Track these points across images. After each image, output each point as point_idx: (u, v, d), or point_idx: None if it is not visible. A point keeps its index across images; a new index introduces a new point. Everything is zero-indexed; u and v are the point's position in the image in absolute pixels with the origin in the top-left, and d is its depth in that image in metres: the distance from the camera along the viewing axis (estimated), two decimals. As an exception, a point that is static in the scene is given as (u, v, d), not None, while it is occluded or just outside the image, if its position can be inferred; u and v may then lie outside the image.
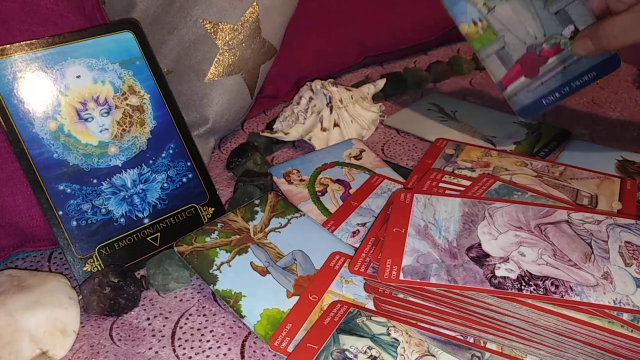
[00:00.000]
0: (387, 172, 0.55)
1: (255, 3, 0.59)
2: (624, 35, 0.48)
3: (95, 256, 0.45)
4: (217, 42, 0.59)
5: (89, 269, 0.44)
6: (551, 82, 0.54)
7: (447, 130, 0.63)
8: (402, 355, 0.35)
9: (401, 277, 0.37)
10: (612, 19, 0.48)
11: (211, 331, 0.41)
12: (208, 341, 0.40)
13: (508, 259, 0.38)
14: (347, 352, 0.35)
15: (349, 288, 0.41)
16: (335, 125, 0.62)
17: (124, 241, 0.46)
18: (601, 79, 0.54)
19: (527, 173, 0.51)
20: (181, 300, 0.43)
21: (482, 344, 0.37)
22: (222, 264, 0.43)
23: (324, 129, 0.62)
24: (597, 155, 0.56)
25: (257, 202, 0.49)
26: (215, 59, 0.59)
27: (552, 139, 0.60)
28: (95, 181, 0.46)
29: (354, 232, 0.47)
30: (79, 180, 0.45)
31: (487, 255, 0.38)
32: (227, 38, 0.59)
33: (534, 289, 0.35)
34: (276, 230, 0.46)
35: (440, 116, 0.67)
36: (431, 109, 0.68)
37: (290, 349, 0.36)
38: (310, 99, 0.63)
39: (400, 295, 0.38)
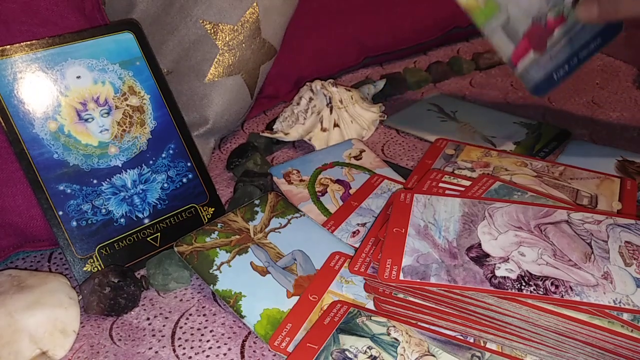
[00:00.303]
0: (387, 172, 0.55)
1: (255, 3, 0.59)
2: (634, 5, 0.45)
3: (95, 256, 0.45)
4: (217, 42, 0.59)
5: (89, 269, 0.44)
6: (559, 54, 0.52)
7: (447, 130, 0.63)
8: (402, 355, 0.35)
9: (401, 277, 0.37)
10: None
11: (211, 331, 0.41)
12: (208, 341, 0.40)
13: (508, 259, 0.38)
14: (347, 352, 0.35)
15: (349, 288, 0.41)
16: (335, 125, 0.62)
17: (124, 241, 0.46)
18: (606, 46, 0.52)
19: (527, 173, 0.51)
20: (181, 300, 0.43)
21: (482, 344, 0.37)
22: (222, 264, 0.43)
23: (324, 129, 0.62)
24: (597, 155, 0.56)
25: (257, 202, 0.49)
26: (215, 60, 0.59)
27: (552, 139, 0.60)
28: (95, 181, 0.46)
29: (354, 232, 0.47)
30: (79, 180, 0.45)
31: (487, 255, 0.38)
32: (227, 38, 0.59)
33: (534, 289, 0.35)
34: (276, 230, 0.46)
35: (440, 116, 0.67)
36: (431, 109, 0.68)
37: (290, 349, 0.36)
38: (310, 99, 0.63)
39: (400, 295, 0.38)
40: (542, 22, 0.50)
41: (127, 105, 0.49)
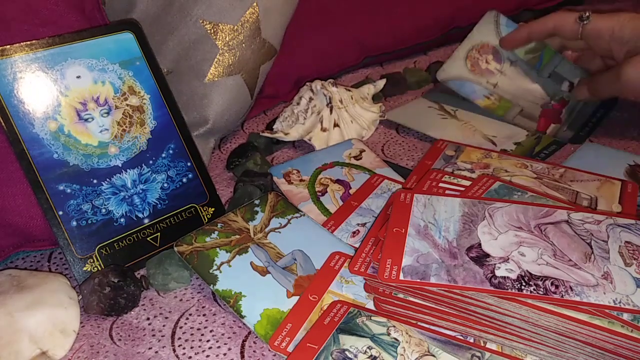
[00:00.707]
0: (387, 172, 0.55)
1: (255, 3, 0.59)
2: (608, 89, 0.59)
3: (95, 256, 0.45)
4: (217, 42, 0.59)
5: (89, 269, 0.44)
6: (575, 122, 0.63)
7: (448, 128, 0.63)
8: (402, 355, 0.35)
9: (401, 277, 0.37)
10: (601, 74, 0.59)
11: (211, 331, 0.41)
12: (208, 341, 0.40)
13: (508, 259, 0.38)
14: (347, 352, 0.35)
15: (349, 288, 0.41)
16: (335, 125, 0.62)
17: (124, 241, 0.46)
18: (611, 110, 0.65)
19: (527, 175, 0.51)
20: (181, 300, 0.43)
21: (482, 344, 0.37)
22: (222, 264, 0.43)
23: (324, 129, 0.62)
24: (608, 159, 0.56)
25: (257, 202, 0.49)
26: (215, 60, 0.59)
27: (552, 142, 0.60)
28: (95, 181, 0.46)
29: (354, 232, 0.47)
30: (79, 180, 0.45)
31: (487, 255, 0.38)
32: (227, 38, 0.59)
33: (534, 289, 0.35)
34: (276, 230, 0.46)
35: (441, 114, 0.67)
36: (432, 107, 0.68)
37: (290, 348, 0.36)
38: (310, 99, 0.63)
39: (400, 295, 0.38)
40: (549, 107, 0.64)
41: (127, 105, 0.49)
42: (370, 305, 0.40)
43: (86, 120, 0.47)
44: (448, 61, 0.66)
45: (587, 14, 0.57)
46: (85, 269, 0.44)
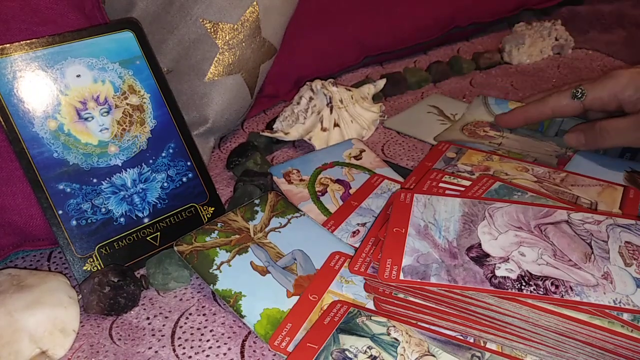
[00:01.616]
0: (387, 172, 0.55)
1: (255, 3, 0.59)
2: (614, 139, 0.53)
3: (95, 255, 0.45)
4: (217, 41, 0.59)
5: (88, 269, 0.44)
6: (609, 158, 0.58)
7: (447, 133, 0.63)
8: (402, 355, 0.35)
9: (401, 277, 0.37)
10: (608, 121, 0.53)
11: (211, 331, 0.40)
12: (208, 341, 0.40)
13: (508, 259, 0.38)
14: (347, 352, 0.35)
15: (349, 288, 0.41)
16: (335, 125, 0.62)
17: (123, 241, 0.46)
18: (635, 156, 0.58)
19: (527, 178, 0.51)
20: (181, 299, 0.43)
21: (482, 344, 0.37)
22: (222, 263, 0.43)
23: (324, 129, 0.62)
24: (604, 166, 0.55)
25: (257, 201, 0.49)
26: (215, 59, 0.59)
27: None
28: (95, 180, 0.46)
29: (354, 232, 0.47)
30: (79, 179, 0.45)
31: (487, 255, 0.38)
32: (227, 37, 0.59)
33: (534, 289, 0.35)
34: (276, 230, 0.46)
35: (440, 119, 0.67)
36: (431, 112, 0.68)
37: (290, 348, 0.36)
38: (311, 98, 0.63)
39: (400, 295, 0.38)
40: (567, 157, 0.58)
41: (127, 104, 0.49)
42: (370, 305, 0.40)
43: (86, 119, 0.47)
44: (443, 132, 0.63)
45: (580, 90, 0.55)
46: (85, 268, 0.44)
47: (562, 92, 0.57)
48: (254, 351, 0.39)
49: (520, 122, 0.61)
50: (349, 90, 0.65)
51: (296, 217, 0.48)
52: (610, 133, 0.53)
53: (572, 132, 0.57)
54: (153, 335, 0.40)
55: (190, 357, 0.39)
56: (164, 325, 0.41)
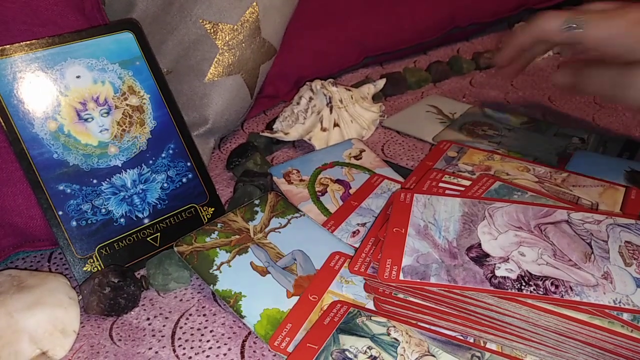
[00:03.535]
0: (387, 172, 0.55)
1: (255, 3, 0.59)
2: (608, 90, 0.46)
3: (95, 256, 0.45)
4: (216, 42, 0.59)
5: (89, 269, 0.44)
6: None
7: (446, 132, 0.63)
8: (402, 355, 0.35)
9: (401, 277, 0.37)
10: (600, 70, 0.46)
11: (211, 331, 0.41)
12: (208, 341, 0.40)
13: (508, 259, 0.38)
14: (347, 352, 0.35)
15: (349, 288, 0.41)
16: (335, 125, 0.62)
17: (124, 241, 0.46)
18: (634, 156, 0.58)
19: (528, 178, 0.50)
20: (181, 300, 0.43)
21: (482, 344, 0.37)
22: (222, 264, 0.43)
23: (324, 129, 0.62)
24: (603, 165, 0.54)
25: (257, 202, 0.49)
26: (215, 59, 0.59)
27: None
28: (95, 181, 0.46)
29: (354, 232, 0.47)
30: (79, 180, 0.45)
31: (487, 255, 0.38)
32: (227, 38, 0.59)
33: (534, 289, 0.35)
34: (276, 230, 0.46)
35: (440, 118, 0.67)
36: (430, 111, 0.68)
37: (290, 349, 0.36)
38: (310, 99, 0.63)
39: (400, 295, 0.38)
40: (567, 155, 0.57)
41: (127, 105, 0.49)
42: (370, 305, 0.40)
43: (86, 120, 0.47)
44: (442, 132, 0.63)
45: (579, 20, 0.44)
46: (85, 269, 0.44)
47: (557, 13, 0.47)
48: (254, 351, 0.39)
49: (516, 48, 0.51)
50: (349, 90, 0.65)
51: (296, 217, 0.48)
52: (596, 81, 0.46)
53: (563, 70, 0.49)
54: (153, 335, 0.40)
55: (190, 357, 0.39)
56: (164, 326, 0.41)
